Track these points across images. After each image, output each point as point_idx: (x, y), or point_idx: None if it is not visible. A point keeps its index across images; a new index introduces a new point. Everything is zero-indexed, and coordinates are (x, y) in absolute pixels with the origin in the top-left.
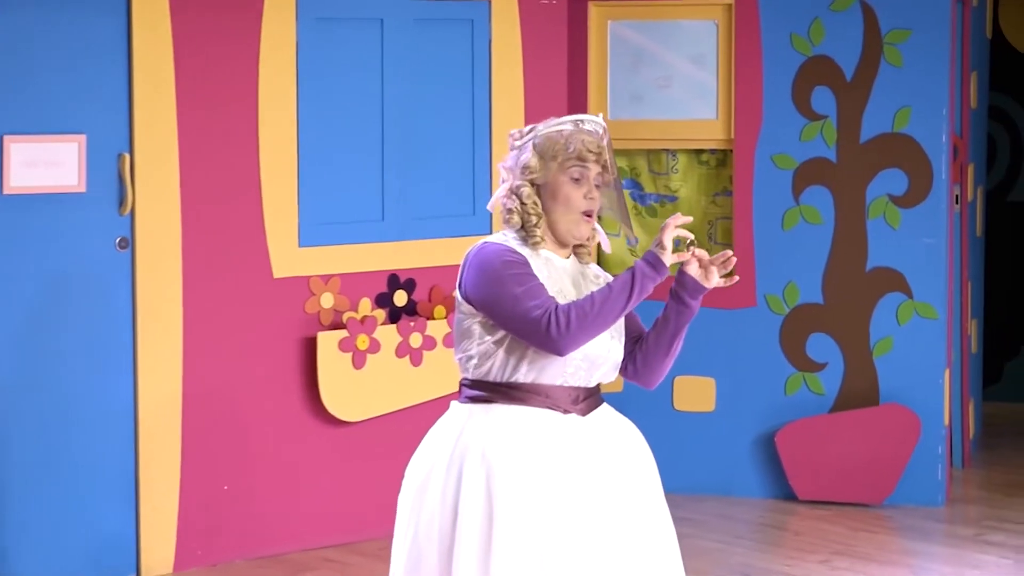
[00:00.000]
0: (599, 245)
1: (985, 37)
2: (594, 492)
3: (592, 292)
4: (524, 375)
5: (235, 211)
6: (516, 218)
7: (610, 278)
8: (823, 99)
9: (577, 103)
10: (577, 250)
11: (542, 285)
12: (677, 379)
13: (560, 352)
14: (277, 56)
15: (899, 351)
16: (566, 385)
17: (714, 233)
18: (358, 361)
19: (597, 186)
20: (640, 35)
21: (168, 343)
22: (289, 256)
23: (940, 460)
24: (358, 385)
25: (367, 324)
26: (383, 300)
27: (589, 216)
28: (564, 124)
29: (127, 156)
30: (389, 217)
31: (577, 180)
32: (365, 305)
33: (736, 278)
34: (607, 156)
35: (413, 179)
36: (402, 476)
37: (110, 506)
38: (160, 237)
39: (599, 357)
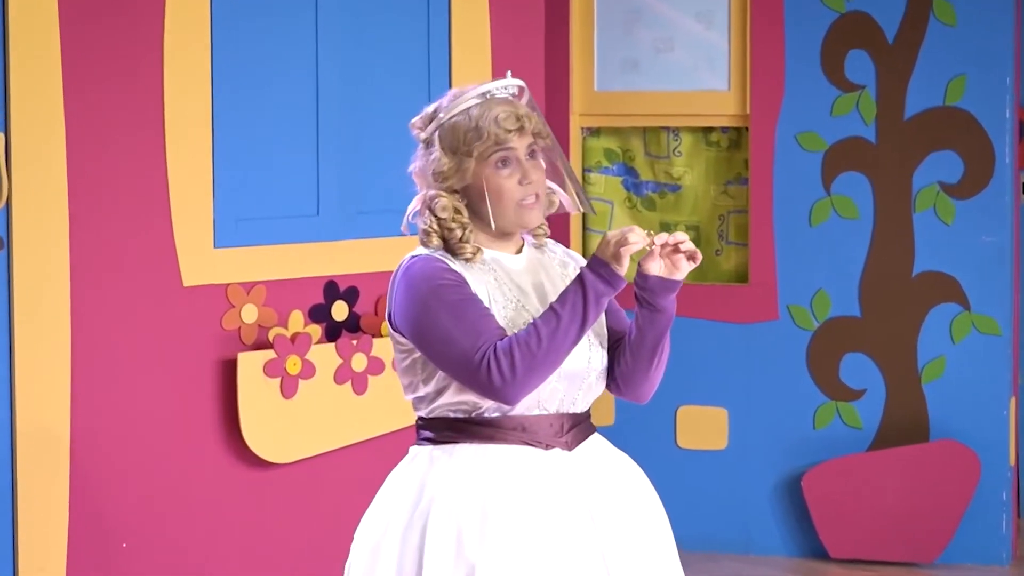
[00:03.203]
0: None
1: None
2: (590, 546)
3: (535, 321)
4: (490, 408)
5: (136, 204)
6: (435, 239)
7: (577, 257)
8: (859, 65)
9: (558, 73)
10: (532, 231)
11: (485, 314)
12: (681, 410)
13: (507, 402)
14: (187, 14)
15: (954, 375)
16: (545, 413)
17: (725, 230)
18: (288, 388)
19: (532, 155)
20: None
21: (53, 366)
22: (202, 259)
23: (1005, 509)
24: (288, 418)
25: (299, 343)
26: (319, 313)
27: (533, 203)
28: (470, 101)
29: (2, 137)
30: (326, 211)
31: (504, 166)
32: (296, 319)
33: (699, 257)
34: (534, 121)
35: (355, 165)
36: (343, 530)
37: None
38: (43, 235)
39: (579, 373)
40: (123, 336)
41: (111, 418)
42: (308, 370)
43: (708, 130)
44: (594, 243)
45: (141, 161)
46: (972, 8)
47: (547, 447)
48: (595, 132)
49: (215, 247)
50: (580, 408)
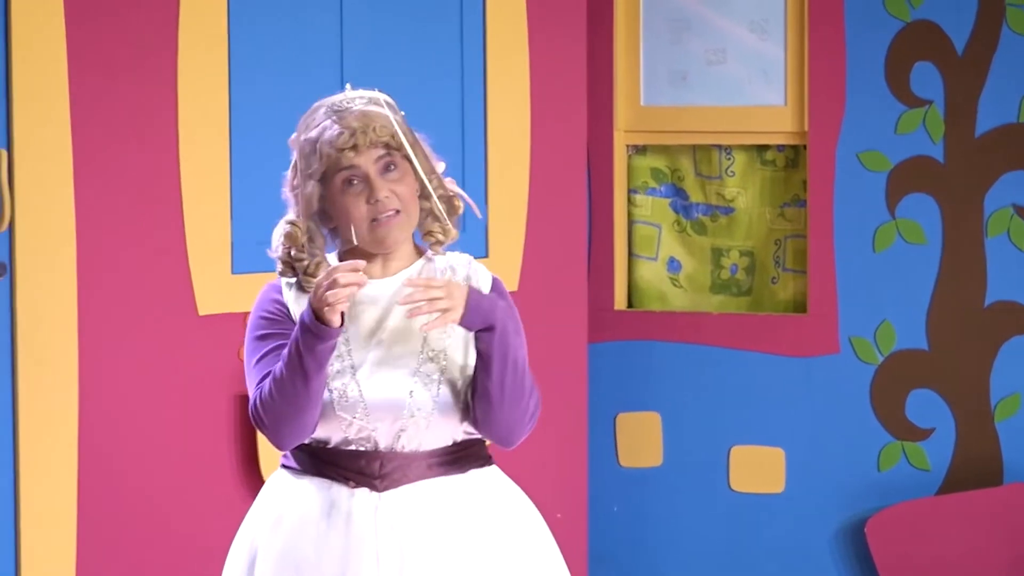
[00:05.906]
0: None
1: None
2: None
3: (275, 367)
4: (321, 437)
5: (148, 227)
6: (286, 268)
7: (459, 268)
8: (926, 79)
9: (601, 86)
10: (426, 237)
11: (279, 355)
12: (735, 450)
13: (277, 447)
14: (203, 26)
15: None
16: (361, 449)
17: (782, 256)
18: None
19: (387, 169)
20: None
21: (59, 399)
22: (219, 286)
23: None
24: None
25: None
26: None
27: (389, 220)
28: (317, 116)
29: (4, 154)
30: None
31: (349, 186)
32: None
33: (449, 318)
34: (379, 132)
35: None
36: None
37: None
38: (48, 260)
39: (395, 408)
40: (134, 369)
41: (120, 456)
42: None
43: (763, 148)
44: (640, 269)
45: (153, 180)
46: None
47: (355, 485)
48: (641, 150)
49: (233, 273)
50: (412, 447)
